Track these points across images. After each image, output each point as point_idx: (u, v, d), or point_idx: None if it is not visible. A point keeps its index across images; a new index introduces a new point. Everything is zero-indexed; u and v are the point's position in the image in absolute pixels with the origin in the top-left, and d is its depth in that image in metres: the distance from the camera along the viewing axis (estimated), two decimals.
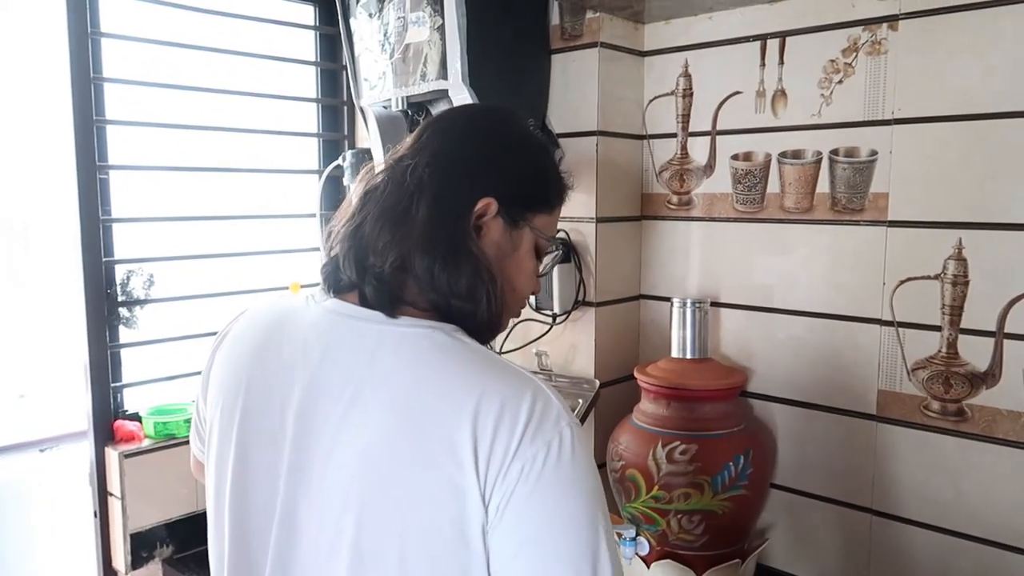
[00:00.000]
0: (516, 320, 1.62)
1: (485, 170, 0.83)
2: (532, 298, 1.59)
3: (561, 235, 1.58)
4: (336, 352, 0.78)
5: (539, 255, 0.89)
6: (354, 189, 0.87)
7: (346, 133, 2.02)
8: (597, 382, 1.53)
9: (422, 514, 0.70)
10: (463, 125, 0.88)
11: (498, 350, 1.68)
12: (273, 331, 0.85)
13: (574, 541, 0.70)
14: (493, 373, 0.75)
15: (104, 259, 1.60)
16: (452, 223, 0.79)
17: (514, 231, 0.84)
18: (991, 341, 1.24)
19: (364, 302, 0.80)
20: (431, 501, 0.70)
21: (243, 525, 0.82)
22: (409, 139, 0.87)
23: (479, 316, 0.80)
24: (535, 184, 0.87)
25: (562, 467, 0.70)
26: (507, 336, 1.66)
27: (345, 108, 2.00)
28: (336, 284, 0.83)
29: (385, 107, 1.57)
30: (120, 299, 1.64)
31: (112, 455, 1.59)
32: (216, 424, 0.86)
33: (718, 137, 1.52)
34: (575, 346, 1.60)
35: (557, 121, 1.58)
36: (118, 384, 1.65)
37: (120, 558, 1.61)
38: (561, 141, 1.57)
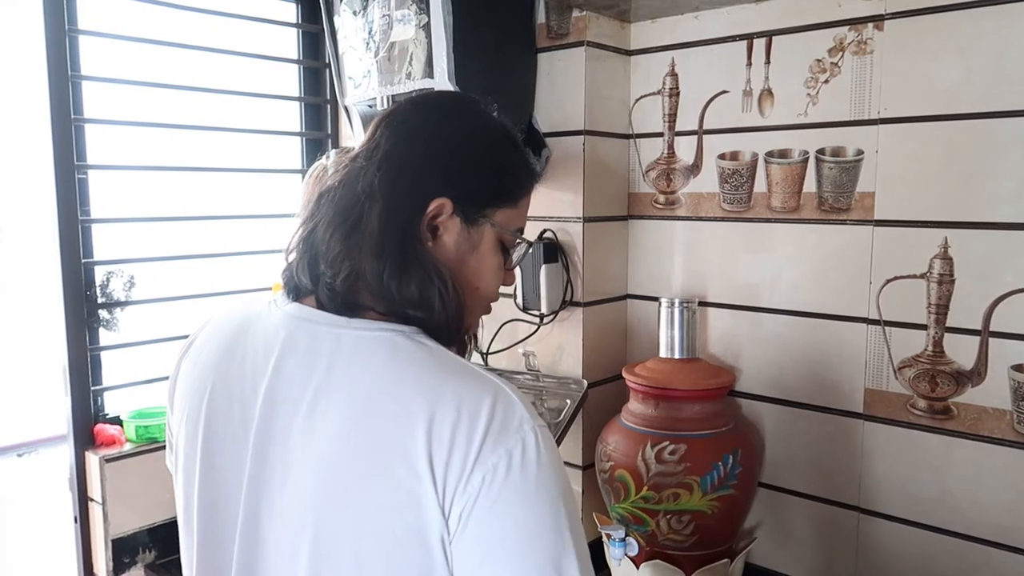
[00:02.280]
0: (505, 320, 1.62)
1: (437, 169, 0.80)
2: (519, 298, 1.59)
3: (548, 234, 1.57)
4: (294, 359, 0.77)
5: (506, 250, 0.86)
6: (308, 188, 0.86)
7: (329, 132, 2.00)
8: (585, 382, 1.53)
9: (379, 524, 0.69)
10: (415, 121, 0.83)
11: (485, 350, 1.67)
12: (235, 338, 0.83)
13: (539, 551, 0.67)
14: (451, 377, 0.72)
15: (83, 260, 1.58)
16: (401, 230, 0.77)
17: (473, 229, 0.81)
18: (976, 339, 1.25)
19: (321, 305, 0.78)
20: (387, 511, 0.68)
21: (210, 536, 0.82)
22: (365, 134, 0.84)
23: (435, 321, 0.78)
24: (494, 178, 0.83)
25: (526, 475, 0.68)
26: (494, 336, 1.65)
27: (328, 107, 1.98)
28: (295, 289, 0.81)
29: (370, 106, 1.55)
30: (100, 301, 1.61)
31: (93, 459, 1.56)
32: (182, 435, 0.86)
33: (705, 136, 1.52)
34: (563, 346, 1.59)
35: (544, 120, 1.58)
36: (98, 387, 1.62)
37: (102, 564, 1.58)
38: (548, 140, 1.56)
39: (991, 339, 1.23)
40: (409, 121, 0.83)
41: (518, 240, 0.86)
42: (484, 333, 1.68)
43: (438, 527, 0.67)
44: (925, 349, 1.30)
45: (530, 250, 0.93)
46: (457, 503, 0.67)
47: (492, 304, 0.89)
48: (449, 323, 0.79)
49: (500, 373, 1.66)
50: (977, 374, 1.26)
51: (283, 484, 0.74)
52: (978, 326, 1.25)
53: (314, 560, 0.71)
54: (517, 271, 1.55)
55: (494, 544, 0.67)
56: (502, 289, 0.90)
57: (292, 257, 0.82)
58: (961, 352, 1.27)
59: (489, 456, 0.67)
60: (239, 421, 0.79)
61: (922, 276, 1.29)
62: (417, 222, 0.78)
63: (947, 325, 1.27)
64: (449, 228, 0.80)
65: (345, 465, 0.71)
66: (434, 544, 0.68)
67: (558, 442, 1.46)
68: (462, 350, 0.87)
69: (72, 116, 1.54)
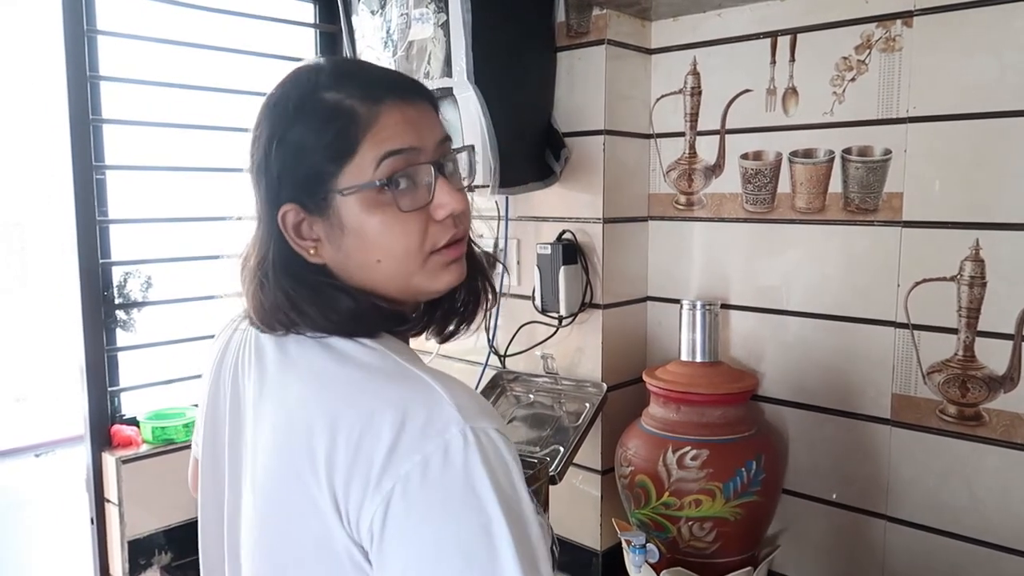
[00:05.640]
0: (523, 322, 1.60)
1: (270, 176, 0.71)
2: (538, 300, 1.57)
3: (567, 236, 1.55)
4: (251, 368, 0.78)
5: (391, 197, 0.69)
6: None
7: None
8: (604, 385, 1.51)
9: (293, 534, 0.68)
10: (253, 127, 0.75)
11: (503, 353, 1.65)
12: (231, 343, 0.85)
13: (464, 566, 0.60)
14: (373, 381, 0.68)
15: (101, 261, 1.57)
16: (264, 254, 0.73)
17: (329, 214, 0.70)
18: (1009, 344, 1.21)
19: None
20: (297, 520, 0.67)
21: (207, 542, 0.86)
22: None
23: (349, 326, 0.71)
24: (313, 143, 0.69)
25: (448, 482, 0.61)
26: (512, 339, 1.64)
27: None
28: None
29: None
30: (117, 301, 1.61)
31: (109, 460, 1.56)
32: (200, 430, 0.90)
33: (727, 136, 1.49)
34: (582, 349, 1.57)
35: (563, 120, 1.56)
36: (115, 388, 1.62)
37: (118, 565, 1.58)
38: (567, 140, 1.54)
39: None
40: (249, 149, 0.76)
41: (398, 167, 0.69)
42: (503, 335, 1.66)
43: (343, 541, 0.64)
44: (955, 353, 1.27)
45: (422, 165, 0.71)
46: (365, 514, 0.62)
47: (452, 250, 0.74)
48: (373, 321, 0.72)
49: (514, 373, 1.64)
50: (1010, 379, 1.22)
51: (241, 496, 0.77)
52: (1011, 330, 1.21)
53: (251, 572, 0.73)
54: (535, 271, 1.55)
55: (411, 558, 0.61)
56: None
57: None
58: (993, 357, 1.23)
59: (402, 462, 0.61)
60: (221, 431, 0.82)
61: (952, 279, 1.26)
62: (283, 244, 0.72)
63: (978, 329, 1.24)
64: (315, 227, 0.72)
65: (270, 477, 0.70)
66: (343, 557, 0.65)
67: (576, 447, 1.43)
68: (436, 314, 0.81)
69: (90, 116, 1.54)
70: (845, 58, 1.34)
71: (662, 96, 1.58)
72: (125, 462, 1.55)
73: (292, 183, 0.71)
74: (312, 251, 0.72)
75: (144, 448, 1.59)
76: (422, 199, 0.71)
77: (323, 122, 0.69)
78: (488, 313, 0.84)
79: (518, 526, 0.62)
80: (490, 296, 0.83)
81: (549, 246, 1.53)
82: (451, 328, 0.82)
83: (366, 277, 0.73)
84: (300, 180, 0.70)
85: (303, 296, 0.71)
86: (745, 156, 1.47)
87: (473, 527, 0.61)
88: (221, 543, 0.82)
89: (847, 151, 1.35)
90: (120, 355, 1.62)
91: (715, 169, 1.52)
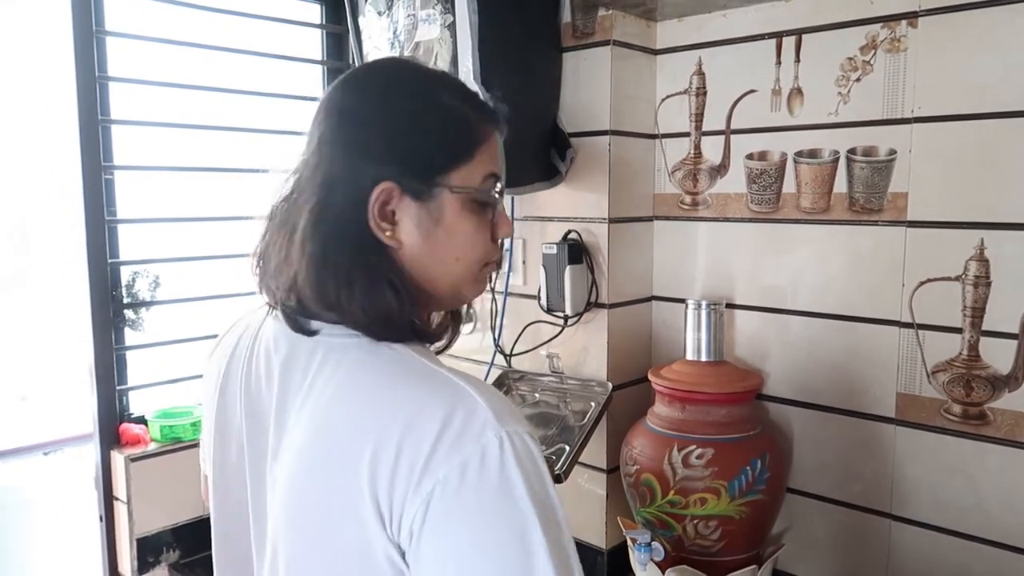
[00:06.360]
0: (529, 322, 1.61)
1: (366, 152, 0.72)
2: (543, 299, 1.57)
3: (572, 235, 1.56)
4: (277, 366, 0.76)
5: (482, 208, 0.76)
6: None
7: None
8: (610, 385, 1.51)
9: (330, 544, 0.67)
10: (336, 103, 0.75)
11: (508, 352, 1.66)
12: (243, 344, 0.84)
13: (500, 567, 0.61)
14: (407, 386, 0.68)
15: (109, 260, 1.58)
16: (337, 231, 0.71)
17: (430, 203, 0.73)
18: (1014, 343, 1.22)
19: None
20: (335, 530, 0.67)
21: (228, 546, 0.84)
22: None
23: (391, 328, 0.72)
24: (435, 141, 0.74)
25: (484, 485, 0.62)
26: (517, 338, 1.64)
27: None
28: (273, 295, 0.79)
29: None
30: (126, 301, 1.62)
31: (118, 459, 1.57)
32: (209, 441, 0.87)
33: (732, 136, 1.50)
34: (587, 348, 1.57)
35: (569, 120, 1.56)
36: (123, 387, 1.63)
37: (126, 563, 1.59)
38: (573, 140, 1.55)
39: None
40: (332, 106, 0.76)
41: (494, 193, 0.77)
42: (508, 334, 1.67)
43: (383, 545, 0.64)
44: (960, 353, 1.27)
45: (502, 189, 0.81)
46: (406, 517, 0.63)
47: (492, 267, 0.81)
48: (404, 326, 0.74)
49: (519, 372, 1.65)
50: (1014, 379, 1.22)
51: (268, 501, 0.75)
52: (1015, 329, 1.22)
53: None
54: (541, 270, 1.56)
55: (448, 560, 0.62)
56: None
57: (256, 272, 0.79)
58: (997, 356, 1.24)
59: (441, 466, 0.62)
60: (239, 434, 0.80)
61: (957, 278, 1.26)
62: (357, 219, 0.71)
63: (983, 328, 1.24)
64: (404, 210, 0.73)
65: (303, 484, 0.70)
66: (382, 565, 0.65)
67: (581, 446, 1.44)
68: (456, 325, 0.84)
69: (99, 117, 1.55)
70: (850, 59, 1.34)
71: (667, 96, 1.59)
72: (133, 460, 1.56)
73: (400, 164, 0.72)
74: (388, 233, 0.73)
75: (152, 446, 1.60)
76: (494, 219, 0.79)
77: (446, 121, 0.75)
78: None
79: (552, 529, 0.63)
80: (464, 316, 0.88)
81: (555, 246, 1.54)
82: (447, 341, 0.84)
83: (436, 270, 0.76)
84: (411, 164, 0.73)
85: (356, 273, 0.71)
86: (750, 156, 1.48)
87: (510, 530, 0.62)
88: (240, 558, 0.81)
89: (852, 151, 1.36)
90: (128, 354, 1.64)
91: (720, 169, 1.53)
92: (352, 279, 0.71)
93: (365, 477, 0.64)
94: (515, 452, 0.64)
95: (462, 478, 0.62)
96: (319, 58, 1.94)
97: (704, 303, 1.42)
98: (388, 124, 0.74)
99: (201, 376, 0.92)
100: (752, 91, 1.47)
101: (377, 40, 1.56)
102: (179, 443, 1.62)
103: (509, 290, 1.66)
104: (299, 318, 0.74)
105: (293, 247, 0.72)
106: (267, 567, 0.75)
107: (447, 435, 0.63)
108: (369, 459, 0.64)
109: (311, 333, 0.74)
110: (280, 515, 0.72)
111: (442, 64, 1.43)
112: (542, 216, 1.61)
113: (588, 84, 1.53)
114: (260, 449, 0.77)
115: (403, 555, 0.64)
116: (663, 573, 1.35)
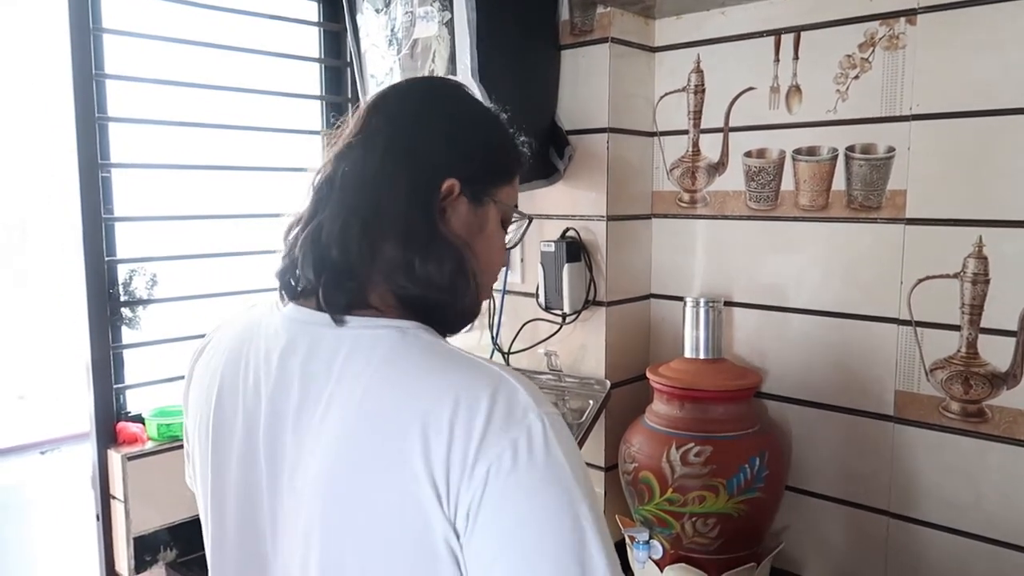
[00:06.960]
0: (527, 320, 1.61)
1: (443, 150, 0.79)
2: (541, 297, 1.57)
3: (571, 233, 1.56)
4: (295, 364, 0.75)
5: (505, 227, 0.87)
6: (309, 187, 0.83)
7: None
8: (608, 383, 1.51)
9: (381, 533, 0.67)
10: (412, 106, 0.82)
11: (507, 350, 1.65)
12: (239, 344, 0.82)
13: (556, 543, 0.64)
14: (449, 371, 0.70)
15: (106, 258, 1.58)
16: (422, 211, 0.76)
17: (480, 208, 0.81)
18: (1012, 341, 1.22)
19: (320, 305, 0.76)
20: (388, 518, 0.67)
21: (226, 545, 0.82)
22: (352, 126, 0.82)
23: (458, 306, 0.78)
24: (494, 157, 0.84)
25: (534, 464, 0.65)
26: (516, 336, 1.64)
27: (350, 105, 1.98)
28: (293, 289, 0.80)
29: None
30: (123, 299, 1.61)
31: (115, 457, 1.56)
32: (196, 444, 0.86)
33: (731, 134, 1.50)
34: (585, 346, 1.57)
35: (567, 118, 1.56)
36: (120, 385, 1.62)
37: (123, 562, 1.58)
38: (571, 138, 1.55)
39: None
40: (406, 106, 0.82)
41: (515, 217, 0.87)
42: (506, 332, 1.67)
43: (442, 529, 0.65)
44: (958, 350, 1.27)
45: (528, 226, 0.97)
46: (463, 499, 0.65)
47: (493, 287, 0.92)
48: (470, 308, 0.80)
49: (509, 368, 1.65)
50: (1012, 376, 1.22)
51: (292, 493, 0.74)
52: (1014, 327, 1.22)
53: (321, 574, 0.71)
54: (539, 268, 1.56)
55: (506, 538, 0.64)
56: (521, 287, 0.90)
57: (295, 254, 0.78)
58: (996, 354, 1.24)
59: (493, 446, 0.65)
60: (242, 431, 0.79)
61: (955, 276, 1.26)
62: (434, 203, 0.77)
63: (981, 326, 1.24)
64: (457, 209, 0.79)
65: (345, 475, 0.69)
66: (440, 547, 0.66)
67: (580, 443, 1.44)
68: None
69: (96, 114, 1.54)
70: (849, 56, 1.34)
71: (666, 94, 1.59)
72: (130, 459, 1.56)
73: (466, 166, 0.80)
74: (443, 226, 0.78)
75: (149, 445, 1.59)
76: (508, 241, 0.89)
77: (504, 141, 0.86)
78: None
79: (594, 503, 0.68)
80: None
81: (553, 244, 1.54)
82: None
83: (479, 272, 0.81)
84: (475, 169, 0.81)
85: (414, 249, 0.75)
86: (749, 154, 1.48)
87: (560, 506, 0.65)
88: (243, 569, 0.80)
89: (851, 149, 1.35)
90: (125, 352, 1.63)
91: (719, 167, 1.52)
92: (438, 253, 0.75)
93: (420, 462, 0.65)
94: (556, 432, 0.68)
95: (515, 459, 0.65)
96: (316, 56, 1.94)
97: (702, 301, 1.42)
98: (461, 128, 0.82)
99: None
100: (751, 88, 1.47)
101: (375, 37, 1.55)
102: (176, 442, 1.61)
103: (507, 288, 1.66)
104: (346, 303, 0.75)
105: (377, 227, 0.75)
106: (296, 570, 0.74)
107: (495, 417, 0.66)
108: (421, 444, 0.66)
109: (342, 323, 0.74)
110: (315, 514, 0.71)
111: (440, 61, 1.43)
112: (540, 214, 1.61)
113: (586, 82, 1.53)
114: (277, 455, 0.75)
115: (457, 536, 0.66)
116: (661, 571, 1.35)
